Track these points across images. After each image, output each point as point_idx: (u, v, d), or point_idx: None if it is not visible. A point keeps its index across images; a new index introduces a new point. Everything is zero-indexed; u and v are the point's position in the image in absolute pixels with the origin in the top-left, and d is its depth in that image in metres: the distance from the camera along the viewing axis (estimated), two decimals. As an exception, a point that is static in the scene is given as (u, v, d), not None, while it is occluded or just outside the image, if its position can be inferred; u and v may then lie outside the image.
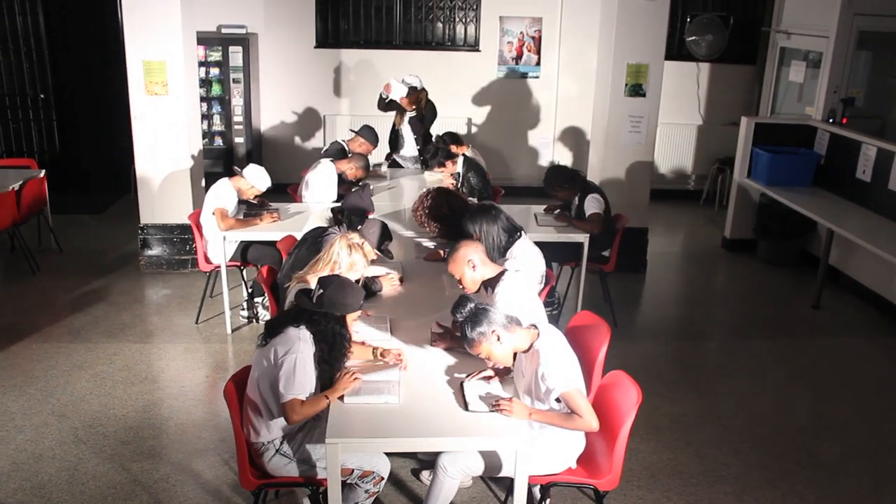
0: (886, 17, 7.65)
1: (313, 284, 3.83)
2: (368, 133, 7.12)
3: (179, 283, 6.92)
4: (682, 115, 9.91)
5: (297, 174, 7.07)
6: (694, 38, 9.45)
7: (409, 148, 7.79)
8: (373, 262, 4.46)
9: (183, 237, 7.08)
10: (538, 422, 3.34)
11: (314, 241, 4.57)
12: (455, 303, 3.52)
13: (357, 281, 4.00)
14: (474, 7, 9.46)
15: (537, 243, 4.82)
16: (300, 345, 3.27)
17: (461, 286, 3.99)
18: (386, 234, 4.84)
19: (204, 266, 5.95)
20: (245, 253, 5.90)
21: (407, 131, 7.74)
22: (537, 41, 9.54)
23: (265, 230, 5.72)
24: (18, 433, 4.55)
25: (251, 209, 6.03)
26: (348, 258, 3.99)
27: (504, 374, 3.55)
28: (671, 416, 4.94)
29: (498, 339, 3.32)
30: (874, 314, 6.69)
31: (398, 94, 7.48)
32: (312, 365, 3.29)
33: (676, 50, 9.43)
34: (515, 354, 3.45)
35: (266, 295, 4.84)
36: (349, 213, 5.04)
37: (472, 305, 3.41)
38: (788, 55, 8.88)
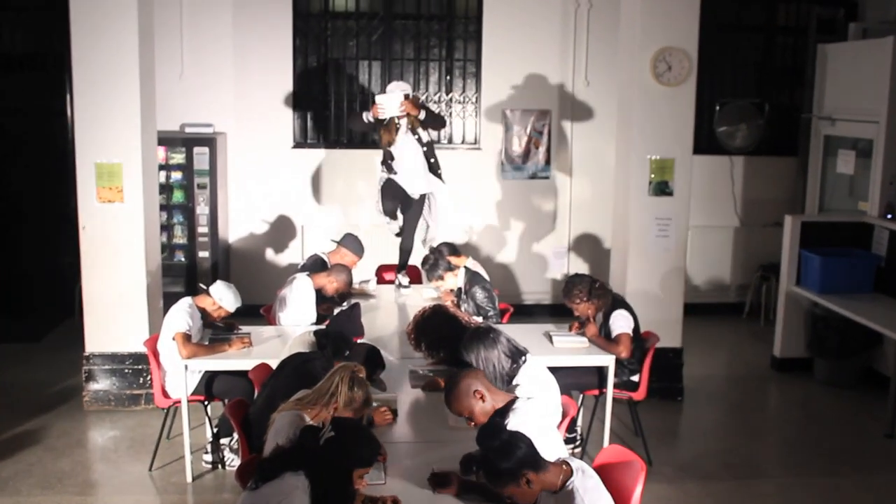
0: (944, 98, 7.93)
1: (308, 420, 3.86)
2: (352, 242, 7.21)
3: (130, 422, 6.88)
4: (716, 216, 10.10)
5: (271, 293, 7.15)
6: (725, 128, 9.74)
7: (410, 161, 7.30)
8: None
9: (136, 367, 7.09)
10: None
11: (294, 370, 4.60)
12: (482, 430, 3.52)
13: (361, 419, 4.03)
14: (474, 100, 9.77)
15: (554, 369, 4.85)
16: (297, 495, 3.26)
17: (471, 424, 3.99)
18: (377, 362, 4.86)
19: (161, 401, 5.94)
20: (210, 385, 5.90)
21: (404, 146, 7.28)
22: (546, 137, 9.80)
23: (234, 358, 5.74)
24: None
25: (218, 333, 6.07)
26: (349, 393, 4.02)
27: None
28: (723, 573, 4.83)
29: (528, 483, 3.33)
30: (958, 444, 6.65)
31: (395, 104, 7.02)
32: None
33: (706, 142, 9.68)
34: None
35: (235, 435, 4.81)
36: (335, 338, 5.07)
37: (506, 436, 3.40)
38: (834, 144, 9.12)
